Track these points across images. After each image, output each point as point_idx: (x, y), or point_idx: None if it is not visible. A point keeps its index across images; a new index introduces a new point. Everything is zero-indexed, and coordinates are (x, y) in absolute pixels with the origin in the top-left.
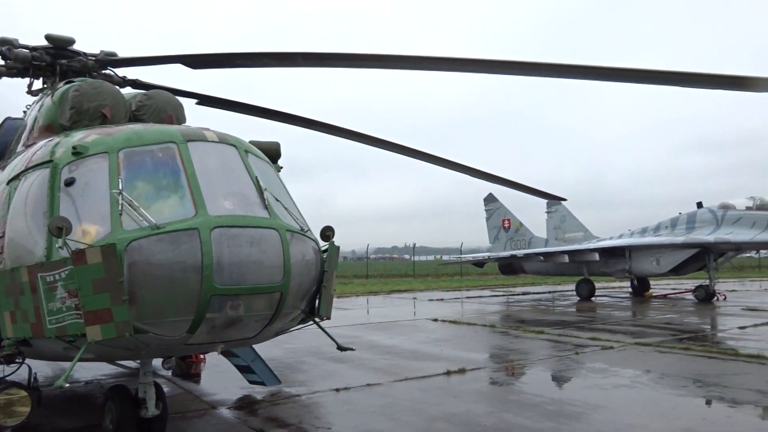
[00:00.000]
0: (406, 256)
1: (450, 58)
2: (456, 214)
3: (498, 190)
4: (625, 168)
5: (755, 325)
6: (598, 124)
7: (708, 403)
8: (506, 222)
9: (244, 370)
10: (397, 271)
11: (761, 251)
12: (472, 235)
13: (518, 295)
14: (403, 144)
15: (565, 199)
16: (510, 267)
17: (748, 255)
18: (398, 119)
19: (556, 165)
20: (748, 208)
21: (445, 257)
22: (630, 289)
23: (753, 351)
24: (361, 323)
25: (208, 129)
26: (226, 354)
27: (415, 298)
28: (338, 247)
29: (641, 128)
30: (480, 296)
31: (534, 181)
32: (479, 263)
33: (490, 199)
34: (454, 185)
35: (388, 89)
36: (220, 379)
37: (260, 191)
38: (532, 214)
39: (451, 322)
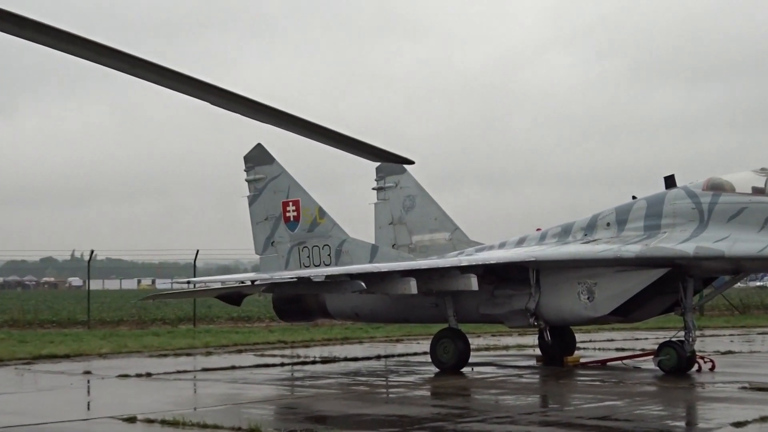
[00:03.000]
0: (75, 280)
1: None
2: (186, 193)
3: (276, 139)
4: (541, 105)
5: (763, 419)
6: (506, 18)
7: None
8: (291, 207)
9: None
10: (52, 312)
11: None
12: (220, 236)
13: (316, 362)
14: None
15: (412, 162)
16: (298, 304)
17: (759, 283)
18: None
19: (408, 94)
20: (757, 191)
21: (161, 283)
22: (538, 351)
23: None
24: None
25: None
26: None
27: (89, 373)
28: None
29: (580, 31)
30: (234, 366)
31: (355, 127)
32: (233, 296)
33: (257, 158)
34: (188, 129)
35: None
36: None
37: None
38: (346, 193)
39: (166, 423)
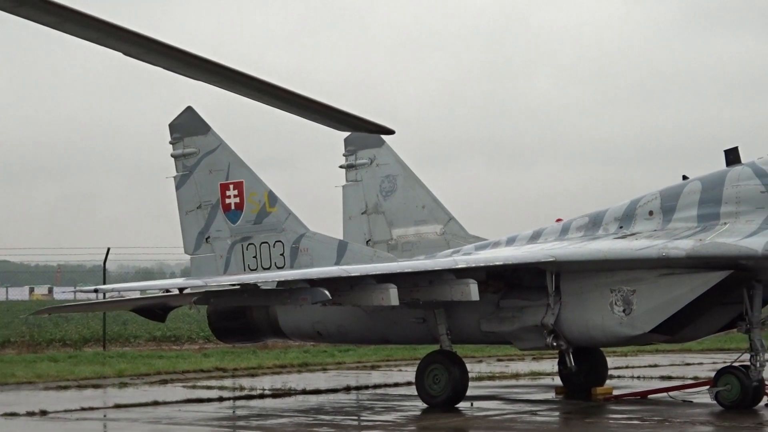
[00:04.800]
0: None
1: None
2: (94, 174)
3: (213, 102)
4: (567, 57)
5: None
6: None
7: None
8: (232, 192)
9: None
10: None
11: None
12: (138, 230)
13: (265, 396)
14: None
15: (391, 132)
16: (241, 320)
17: None
18: None
19: (393, 44)
20: None
21: (61, 292)
22: (558, 380)
23: None
24: None
25: None
26: None
27: None
28: None
29: None
30: (157, 402)
31: (322, 87)
32: (156, 309)
33: (187, 126)
34: (98, 88)
35: None
36: None
37: None
38: (306, 174)
39: None
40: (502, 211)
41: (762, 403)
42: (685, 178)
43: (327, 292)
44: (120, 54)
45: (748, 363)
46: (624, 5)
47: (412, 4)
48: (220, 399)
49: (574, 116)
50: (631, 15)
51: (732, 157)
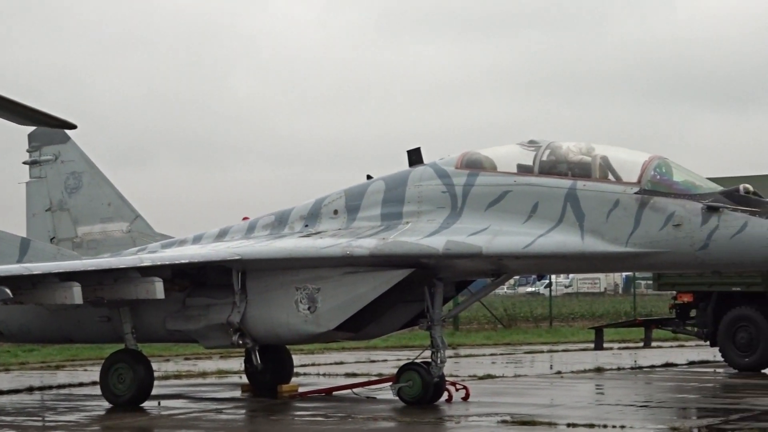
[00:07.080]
0: None
1: None
2: None
3: None
4: (270, 62)
5: None
6: None
7: None
8: None
9: None
10: None
11: (556, 283)
12: None
13: None
14: None
15: (72, 126)
16: None
17: (530, 288)
18: None
19: (97, 40)
20: (524, 170)
21: None
22: (245, 378)
23: None
24: None
25: None
26: None
27: None
28: None
29: None
30: None
31: (12, 82)
32: None
33: None
34: None
35: None
36: None
37: None
38: None
39: None
40: (194, 210)
41: (443, 399)
42: (369, 177)
43: (8, 291)
44: None
45: (430, 359)
46: (323, 10)
47: (113, 2)
48: None
49: (270, 118)
50: (329, 20)
51: (415, 157)
